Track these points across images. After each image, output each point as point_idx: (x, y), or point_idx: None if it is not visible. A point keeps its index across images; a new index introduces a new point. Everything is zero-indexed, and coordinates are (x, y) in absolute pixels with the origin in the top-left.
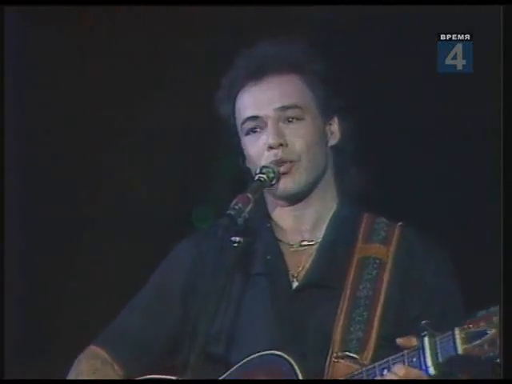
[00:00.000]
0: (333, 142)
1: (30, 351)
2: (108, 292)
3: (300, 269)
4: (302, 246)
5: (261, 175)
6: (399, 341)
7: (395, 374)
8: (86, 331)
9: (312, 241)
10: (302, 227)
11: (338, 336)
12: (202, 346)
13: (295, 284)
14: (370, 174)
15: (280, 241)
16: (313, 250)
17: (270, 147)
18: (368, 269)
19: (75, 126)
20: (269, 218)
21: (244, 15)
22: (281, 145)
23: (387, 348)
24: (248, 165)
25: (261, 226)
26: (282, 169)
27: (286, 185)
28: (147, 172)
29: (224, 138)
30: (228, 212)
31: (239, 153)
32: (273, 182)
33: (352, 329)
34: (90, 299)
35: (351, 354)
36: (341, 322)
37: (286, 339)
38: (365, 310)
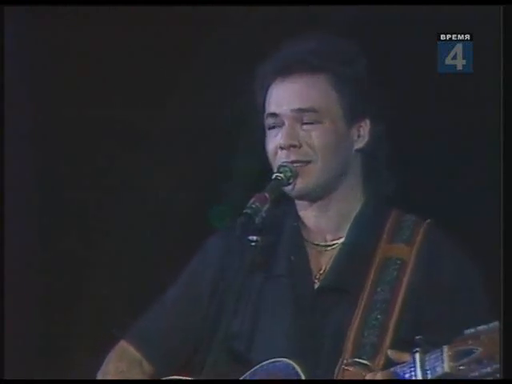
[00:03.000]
0: (359, 145)
1: (30, 351)
2: (111, 293)
3: (322, 270)
4: (326, 246)
5: (278, 174)
6: (391, 352)
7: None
8: (86, 331)
9: (335, 241)
10: (324, 227)
11: (350, 342)
12: (223, 342)
13: (317, 285)
14: (402, 176)
15: (306, 241)
16: (336, 251)
17: (281, 148)
18: (389, 270)
19: (79, 127)
20: (297, 216)
21: (276, 12)
22: (293, 146)
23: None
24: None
25: (288, 224)
26: (297, 170)
27: (297, 186)
28: (162, 172)
29: (243, 132)
30: (245, 211)
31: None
32: (290, 181)
33: (366, 333)
34: (92, 300)
35: (362, 361)
36: (354, 327)
37: (303, 345)
38: (380, 314)
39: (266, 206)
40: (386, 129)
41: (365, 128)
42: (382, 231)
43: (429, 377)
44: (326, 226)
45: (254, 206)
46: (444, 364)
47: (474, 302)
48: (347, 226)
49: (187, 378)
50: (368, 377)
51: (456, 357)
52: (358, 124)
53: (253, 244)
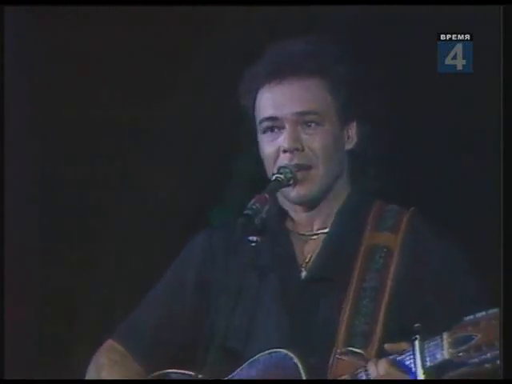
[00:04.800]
0: (349, 146)
1: (30, 351)
2: (111, 293)
3: (308, 259)
4: (311, 235)
5: (278, 175)
6: (388, 346)
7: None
8: (86, 331)
9: (322, 230)
10: (313, 218)
11: (342, 330)
12: (218, 340)
13: (303, 274)
14: (385, 172)
15: (290, 231)
16: (322, 240)
17: (285, 151)
18: (375, 258)
19: (79, 127)
20: (280, 208)
21: (265, 14)
22: (296, 149)
23: (393, 340)
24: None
25: (272, 217)
26: (297, 175)
27: (300, 192)
28: (162, 172)
29: (242, 133)
30: (246, 212)
31: (256, 148)
32: (290, 182)
33: (357, 322)
34: (92, 299)
35: (356, 350)
36: (346, 316)
37: (295, 333)
38: (370, 302)
39: (267, 207)
40: (378, 129)
41: (353, 129)
42: (366, 220)
43: (428, 364)
44: (316, 219)
45: (254, 206)
46: (444, 351)
47: (461, 286)
48: (333, 216)
49: (186, 379)
50: (369, 365)
51: (455, 343)
52: (348, 125)
53: (253, 244)
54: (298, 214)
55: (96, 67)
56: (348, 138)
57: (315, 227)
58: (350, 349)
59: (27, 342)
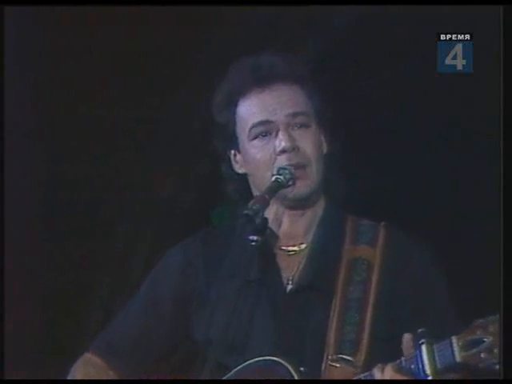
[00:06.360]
0: (324, 150)
1: (30, 351)
2: (112, 293)
3: (293, 272)
4: (294, 250)
5: (278, 176)
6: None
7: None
8: (86, 332)
9: (304, 244)
10: (296, 232)
11: (331, 339)
12: (210, 355)
13: (289, 288)
14: (354, 178)
15: (274, 246)
16: (305, 254)
17: (284, 151)
18: (357, 270)
19: (79, 127)
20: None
21: (246, 23)
22: (293, 149)
23: (380, 349)
24: (244, 170)
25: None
26: (296, 173)
27: (300, 189)
28: (164, 172)
29: (217, 143)
30: (245, 212)
31: (226, 159)
32: (289, 184)
33: (345, 331)
34: (92, 299)
35: (345, 357)
36: (334, 325)
37: (283, 344)
38: (356, 312)
39: (267, 207)
40: (350, 139)
41: (325, 135)
42: (345, 233)
43: (438, 366)
44: (298, 231)
45: (254, 207)
46: (455, 353)
47: (442, 290)
48: (313, 229)
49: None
50: (375, 370)
51: (466, 346)
52: (322, 131)
53: (253, 244)
54: (279, 224)
55: (96, 67)
56: (322, 143)
57: (298, 240)
58: (341, 356)
59: (27, 342)
